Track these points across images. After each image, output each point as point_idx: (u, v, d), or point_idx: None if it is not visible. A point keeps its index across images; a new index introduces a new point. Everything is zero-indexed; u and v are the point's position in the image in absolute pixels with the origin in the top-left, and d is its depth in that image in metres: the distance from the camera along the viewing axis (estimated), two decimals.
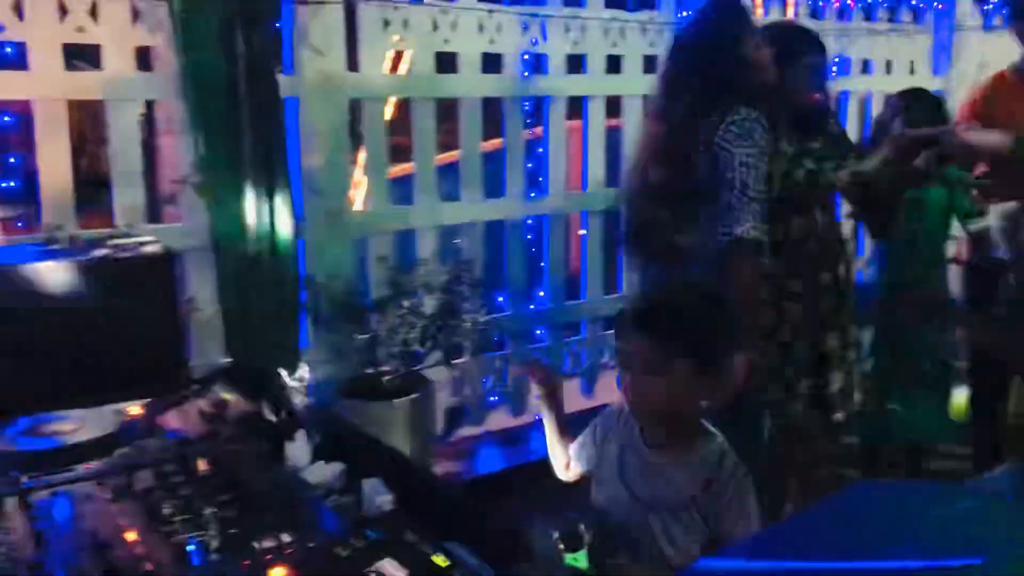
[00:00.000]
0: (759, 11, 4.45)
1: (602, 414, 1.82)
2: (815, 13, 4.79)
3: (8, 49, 2.85)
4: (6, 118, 2.94)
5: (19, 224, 3.25)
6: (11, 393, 1.50)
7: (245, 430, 1.46)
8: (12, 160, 3.05)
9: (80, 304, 1.90)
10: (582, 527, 1.43)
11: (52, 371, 1.82)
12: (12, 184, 3.03)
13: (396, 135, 3.75)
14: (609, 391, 4.33)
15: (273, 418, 1.46)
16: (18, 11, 2.79)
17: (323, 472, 1.28)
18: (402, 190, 3.79)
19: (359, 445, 1.41)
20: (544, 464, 3.71)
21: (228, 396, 1.55)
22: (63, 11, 2.86)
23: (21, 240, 2.85)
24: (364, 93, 3.47)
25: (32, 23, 2.81)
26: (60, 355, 1.85)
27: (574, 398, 4.23)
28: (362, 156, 3.67)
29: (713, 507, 1.57)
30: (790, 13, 4.66)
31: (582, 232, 4.27)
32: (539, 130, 4.03)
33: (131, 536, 1.12)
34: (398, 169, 4.03)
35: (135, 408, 1.54)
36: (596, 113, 4.13)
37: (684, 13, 4.16)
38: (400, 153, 3.99)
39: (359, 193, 3.76)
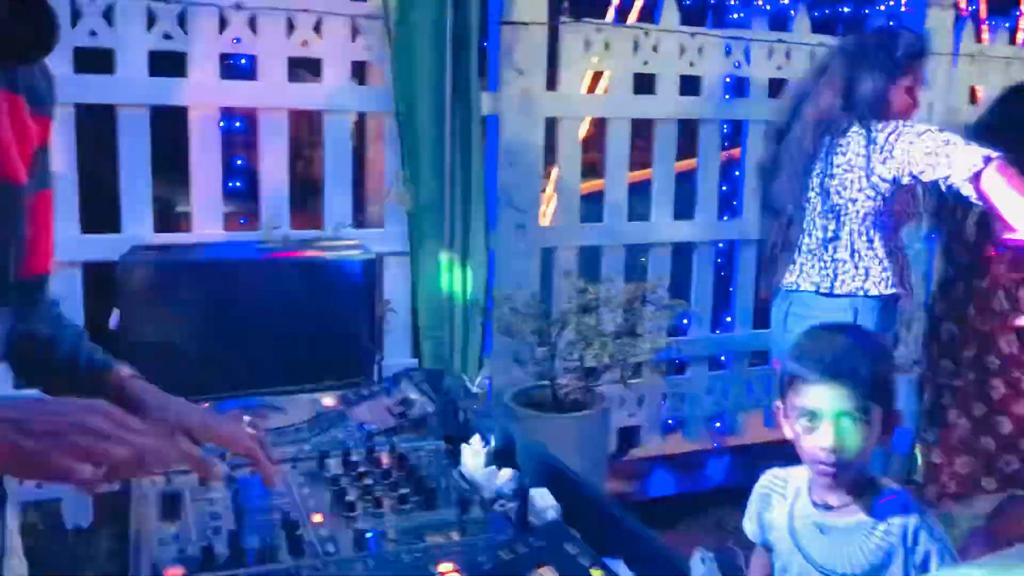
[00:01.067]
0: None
1: (759, 483, 1.70)
2: None
3: (242, 61, 3.13)
4: (236, 124, 3.22)
5: (241, 221, 3.55)
6: (221, 375, 1.65)
7: (427, 429, 1.54)
8: (239, 162, 3.34)
9: (288, 298, 2.06)
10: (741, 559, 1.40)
11: (258, 357, 1.99)
12: (237, 184, 3.31)
13: (588, 152, 3.79)
14: None
15: (453, 420, 1.53)
16: (252, 26, 3.05)
17: (495, 476, 1.34)
18: (592, 207, 3.84)
19: (531, 454, 1.45)
20: (719, 493, 3.67)
21: (414, 395, 1.63)
22: (291, 26, 3.10)
23: (242, 236, 3.12)
24: (561, 112, 3.54)
25: (263, 37, 3.06)
26: (266, 343, 2.01)
27: (757, 429, 4.13)
28: (554, 172, 3.75)
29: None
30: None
31: None
32: (736, 152, 3.98)
33: (317, 518, 1.21)
34: (589, 185, 4.08)
35: (330, 399, 1.66)
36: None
37: None
38: (592, 170, 4.03)
39: (550, 208, 3.84)
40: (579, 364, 3.22)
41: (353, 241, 2.47)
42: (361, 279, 2.16)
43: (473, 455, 1.38)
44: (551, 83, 3.51)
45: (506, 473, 1.35)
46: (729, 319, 4.05)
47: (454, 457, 1.43)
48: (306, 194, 3.61)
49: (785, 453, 3.91)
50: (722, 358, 4.07)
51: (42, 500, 2.91)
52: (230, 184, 3.26)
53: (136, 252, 2.28)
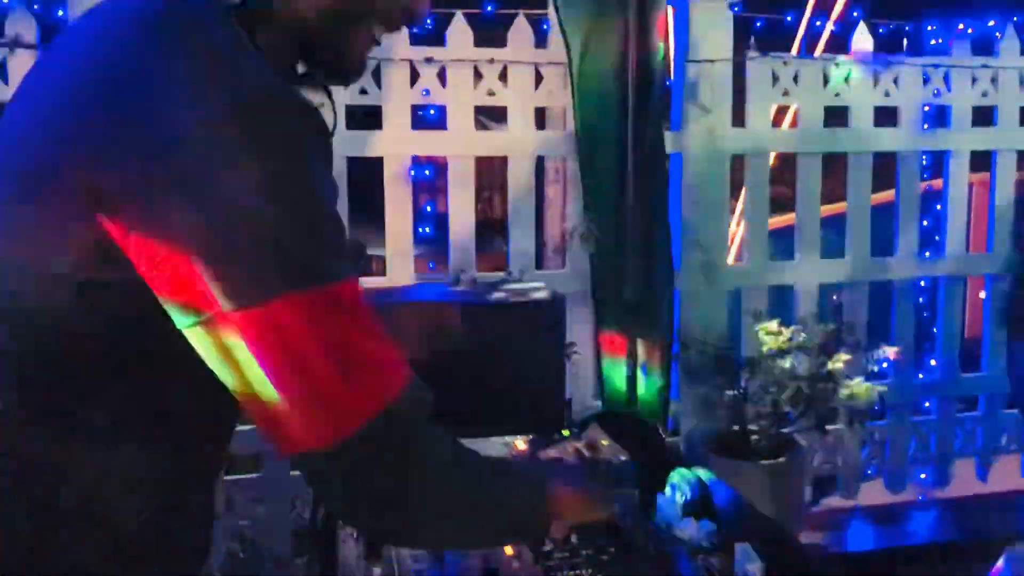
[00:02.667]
0: None
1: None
2: None
3: (432, 111, 3.25)
4: (426, 172, 3.34)
5: (430, 265, 3.67)
6: None
7: (619, 476, 1.51)
8: (428, 208, 3.46)
9: (476, 341, 2.09)
10: None
11: (448, 400, 2.02)
12: (427, 230, 3.42)
13: (776, 184, 3.67)
14: (1007, 477, 3.87)
15: (646, 468, 1.50)
16: (441, 78, 3.16)
17: (693, 529, 1.29)
18: (782, 242, 3.70)
19: (731, 506, 1.40)
20: (924, 549, 3.42)
21: (604, 441, 1.61)
22: (478, 76, 3.19)
23: (431, 279, 3.22)
24: (749, 149, 3.46)
25: (452, 88, 3.17)
26: (456, 386, 2.04)
27: (967, 481, 3.84)
28: (740, 208, 3.66)
29: None
30: None
31: (982, 295, 3.88)
32: (937, 183, 3.75)
33: (515, 564, 1.21)
34: (778, 220, 3.95)
35: (520, 442, 1.66)
36: (1006, 168, 3.75)
37: None
38: (780, 203, 3.90)
39: (737, 246, 3.75)
40: (771, 410, 3.09)
41: (538, 284, 2.49)
42: (548, 321, 2.16)
43: (669, 505, 1.34)
44: (737, 119, 3.43)
45: (704, 525, 1.30)
46: (933, 362, 3.78)
47: (648, 507, 1.39)
48: (491, 234, 3.68)
49: (1000, 506, 3.63)
50: (927, 404, 3.81)
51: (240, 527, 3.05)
52: (420, 230, 3.37)
53: None
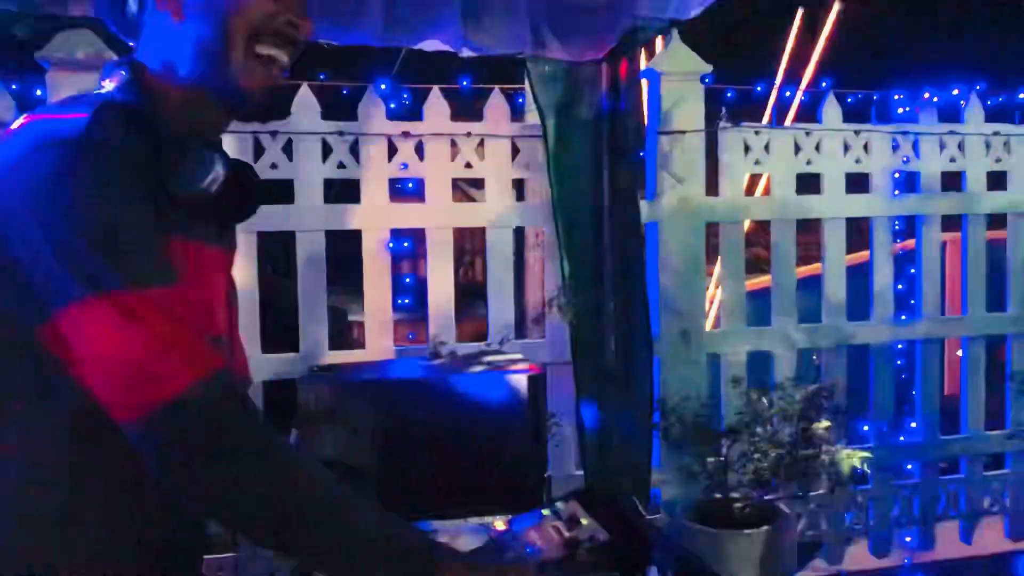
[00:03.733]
0: None
1: None
2: None
3: (410, 184, 3.28)
4: (405, 244, 3.36)
5: (410, 336, 3.67)
6: (397, 498, 1.67)
7: (600, 555, 1.49)
8: (407, 280, 3.47)
9: (455, 418, 2.09)
10: None
11: (427, 478, 2.00)
12: (406, 301, 3.43)
13: (752, 246, 3.71)
14: (992, 539, 3.86)
15: (628, 548, 1.49)
16: (419, 151, 3.20)
17: None
18: (759, 304, 3.72)
19: None
20: None
21: (584, 520, 1.60)
22: (455, 149, 3.23)
23: (410, 351, 3.21)
24: (723, 217, 3.51)
25: (430, 161, 3.20)
26: (435, 464, 2.03)
27: (952, 544, 3.82)
28: (716, 273, 3.69)
29: None
30: None
31: (959, 353, 3.91)
32: (911, 243, 3.81)
33: None
34: (755, 282, 3.98)
35: (500, 522, 1.64)
36: (976, 231, 3.81)
37: None
38: (757, 265, 3.94)
39: (714, 312, 3.77)
40: (754, 478, 3.08)
41: (518, 356, 2.49)
42: (528, 397, 2.16)
43: None
44: (711, 187, 3.49)
45: None
46: (914, 424, 3.80)
47: None
48: (472, 297, 3.69)
49: (985, 568, 3.61)
50: (909, 466, 3.80)
51: None
52: (399, 301, 3.38)
53: (313, 374, 2.38)
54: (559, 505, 1.68)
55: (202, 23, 1.14)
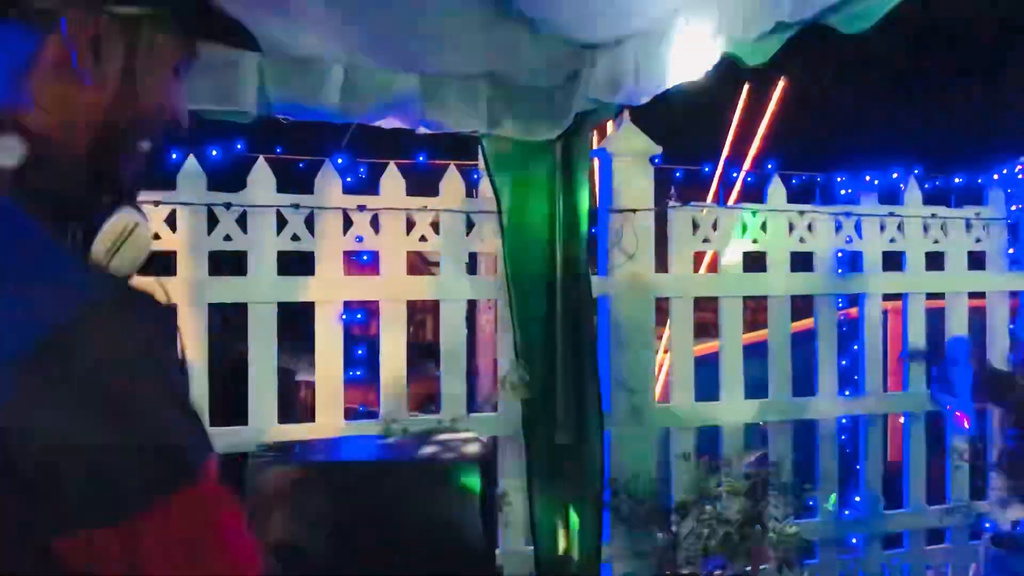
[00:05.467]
0: None
1: None
2: None
3: (365, 257, 3.30)
4: (358, 315, 3.37)
5: (360, 408, 3.65)
6: None
7: None
8: (359, 352, 3.47)
9: (406, 502, 2.08)
10: None
11: (372, 565, 1.99)
12: (358, 374, 3.42)
13: (701, 311, 3.77)
14: None
15: None
16: (375, 225, 3.23)
17: None
18: (706, 370, 3.75)
19: None
20: None
21: None
22: (410, 225, 3.26)
23: (361, 424, 3.19)
24: (672, 292, 3.57)
25: (385, 235, 3.23)
26: (381, 550, 2.02)
27: None
28: (664, 344, 3.74)
29: None
30: None
31: (901, 420, 4.00)
32: (853, 311, 3.92)
33: None
34: (702, 348, 4.03)
35: None
36: (916, 310, 3.93)
37: (1015, 207, 3.94)
38: (704, 329, 4.00)
39: (663, 381, 3.81)
40: (702, 554, 3.10)
41: (470, 434, 2.50)
42: (480, 482, 2.16)
43: None
44: (661, 263, 3.56)
45: None
46: (858, 499, 3.86)
47: None
48: (426, 359, 3.67)
49: None
50: (854, 540, 3.85)
51: None
52: (351, 373, 3.37)
53: (262, 454, 2.36)
54: None
55: None
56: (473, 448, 2.27)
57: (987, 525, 3.91)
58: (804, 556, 3.72)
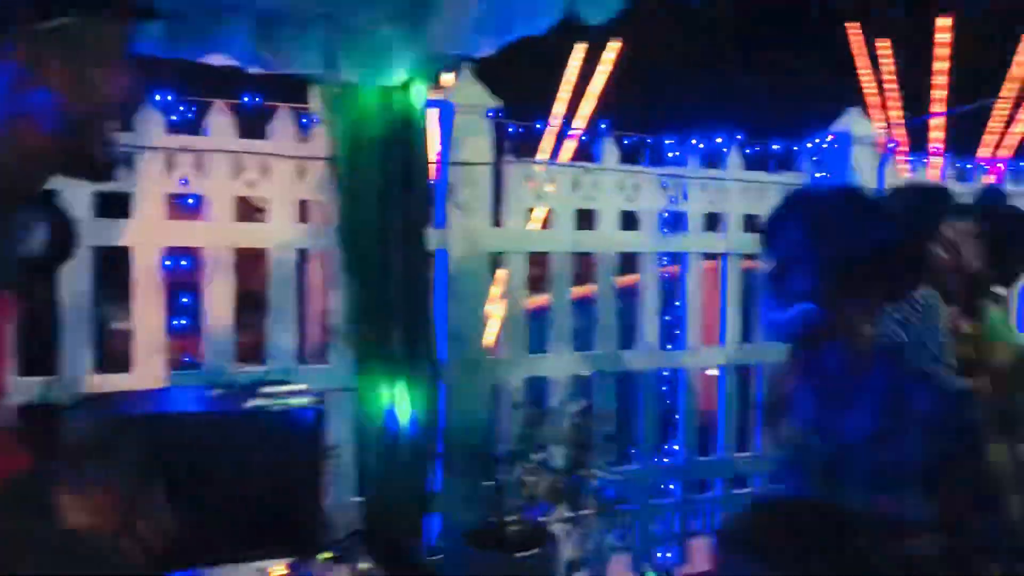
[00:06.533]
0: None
1: None
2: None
3: (190, 200, 3.15)
4: (183, 263, 3.21)
5: (186, 358, 3.51)
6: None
7: None
8: (184, 300, 3.32)
9: (232, 455, 2.02)
10: None
11: (199, 520, 1.92)
12: (183, 322, 3.29)
13: (533, 266, 3.84)
14: None
15: None
16: (200, 167, 3.08)
17: None
18: (538, 324, 3.83)
19: None
20: None
21: (365, 564, 1.60)
22: (238, 168, 3.13)
23: (185, 377, 3.07)
24: (506, 248, 3.61)
25: (212, 179, 3.09)
26: (211, 504, 1.95)
27: (705, 559, 4.11)
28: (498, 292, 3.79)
29: None
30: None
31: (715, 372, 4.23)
32: (675, 269, 4.09)
33: None
34: (535, 301, 4.12)
35: (279, 569, 1.61)
36: (734, 271, 4.15)
37: (821, 174, 4.19)
38: (537, 284, 4.08)
39: (498, 339, 3.87)
40: (527, 502, 3.19)
41: (299, 386, 2.45)
42: (308, 432, 2.13)
43: None
44: (497, 220, 3.59)
45: None
46: (676, 447, 4.06)
47: None
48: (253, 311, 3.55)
49: None
50: (671, 486, 4.06)
51: None
52: (175, 322, 3.23)
53: (79, 406, 2.23)
54: (341, 547, 1.68)
55: None
56: (302, 400, 2.23)
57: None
58: (624, 502, 3.90)
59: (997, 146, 7.07)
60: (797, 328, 1.59)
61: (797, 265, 1.56)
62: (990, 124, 7.23)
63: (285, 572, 1.59)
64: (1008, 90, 7.15)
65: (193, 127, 3.13)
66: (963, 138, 7.08)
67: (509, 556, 3.12)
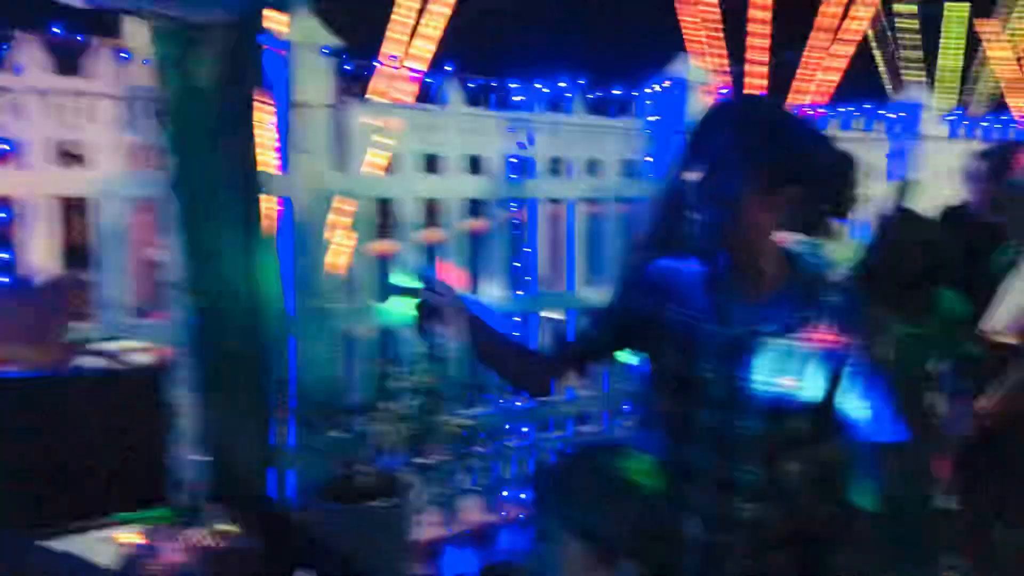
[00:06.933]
0: None
1: None
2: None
3: (6, 147, 2.87)
4: (1, 214, 2.94)
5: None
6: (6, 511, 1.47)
7: (248, 565, 1.43)
8: (5, 256, 3.04)
9: (69, 418, 1.88)
10: None
11: (40, 486, 1.78)
12: (6, 281, 3.01)
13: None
14: None
15: (276, 553, 1.44)
16: (17, 111, 2.82)
17: None
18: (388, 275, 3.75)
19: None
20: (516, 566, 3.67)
21: (227, 527, 1.52)
22: (60, 111, 2.88)
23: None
24: (350, 192, 3.51)
25: (26, 121, 2.83)
26: (46, 470, 1.81)
27: None
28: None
29: None
30: None
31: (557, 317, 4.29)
32: (523, 213, 4.09)
33: None
34: (383, 247, 4.02)
35: (130, 535, 1.51)
36: (579, 215, 4.20)
37: (654, 118, 4.28)
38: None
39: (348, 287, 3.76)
40: (379, 451, 3.16)
41: (137, 344, 2.30)
42: (146, 391, 2.00)
43: None
44: (341, 164, 3.47)
45: None
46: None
47: None
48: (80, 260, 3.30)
49: None
50: (524, 429, 4.11)
51: None
52: None
53: None
54: (195, 509, 1.59)
55: None
56: (141, 358, 2.09)
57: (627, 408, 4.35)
58: (479, 444, 3.93)
59: (810, 92, 7.48)
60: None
61: (725, 171, 1.50)
62: (800, 72, 7.64)
63: (135, 539, 1.49)
64: (817, 39, 7.55)
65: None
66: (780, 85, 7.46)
67: (363, 507, 3.08)
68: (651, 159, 4.34)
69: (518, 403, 4.05)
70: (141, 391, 1.98)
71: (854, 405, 1.55)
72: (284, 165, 3.29)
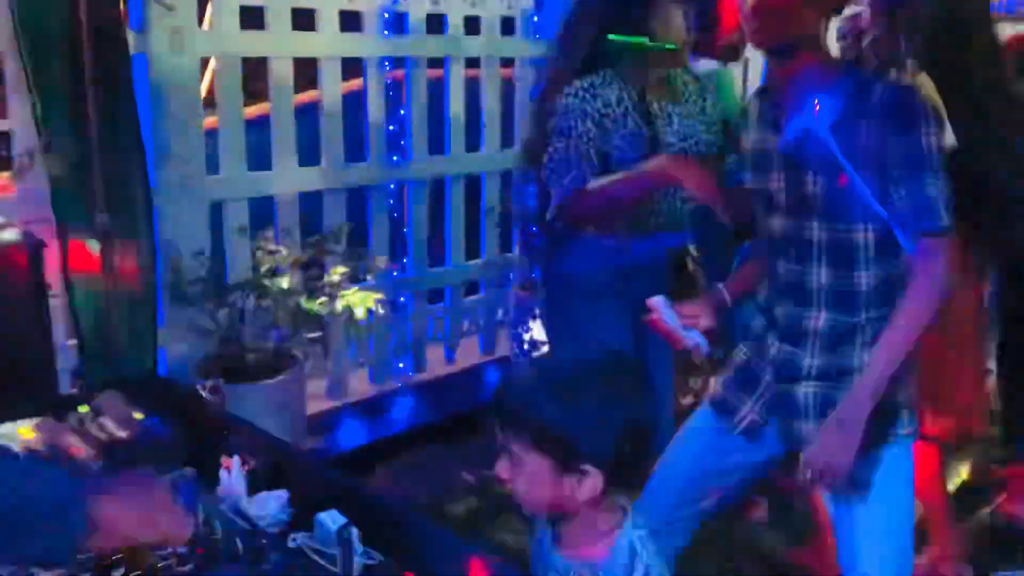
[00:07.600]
0: None
1: None
2: None
3: None
4: None
5: None
6: None
7: (163, 454, 1.33)
8: None
9: None
10: None
11: None
12: None
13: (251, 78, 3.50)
14: (471, 357, 4.34)
15: (192, 439, 1.34)
16: None
17: (268, 503, 1.19)
18: (258, 135, 3.51)
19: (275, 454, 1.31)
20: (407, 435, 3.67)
21: (133, 413, 1.40)
22: None
23: None
24: (218, 51, 3.23)
25: None
26: None
27: (438, 365, 4.21)
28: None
29: None
30: None
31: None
32: (400, 73, 3.89)
33: None
34: (255, 109, 3.77)
35: (27, 430, 1.37)
36: (456, 76, 4.04)
37: None
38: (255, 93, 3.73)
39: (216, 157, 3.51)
40: (270, 328, 3.03)
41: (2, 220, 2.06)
42: (27, 268, 1.80)
43: (236, 482, 1.21)
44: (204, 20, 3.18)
45: (278, 496, 1.20)
46: (404, 260, 4.01)
47: (206, 483, 1.25)
48: None
49: (464, 382, 3.99)
50: (403, 299, 4.03)
51: None
52: None
53: None
54: (97, 402, 1.46)
55: None
56: (9, 236, 1.89)
57: (511, 276, 4.34)
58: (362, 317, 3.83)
59: None
60: None
61: None
62: None
63: (35, 435, 1.36)
64: None
65: None
66: None
67: (255, 384, 2.98)
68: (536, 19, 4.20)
69: (397, 273, 3.95)
70: (13, 271, 1.78)
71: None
72: (138, 20, 2.98)
